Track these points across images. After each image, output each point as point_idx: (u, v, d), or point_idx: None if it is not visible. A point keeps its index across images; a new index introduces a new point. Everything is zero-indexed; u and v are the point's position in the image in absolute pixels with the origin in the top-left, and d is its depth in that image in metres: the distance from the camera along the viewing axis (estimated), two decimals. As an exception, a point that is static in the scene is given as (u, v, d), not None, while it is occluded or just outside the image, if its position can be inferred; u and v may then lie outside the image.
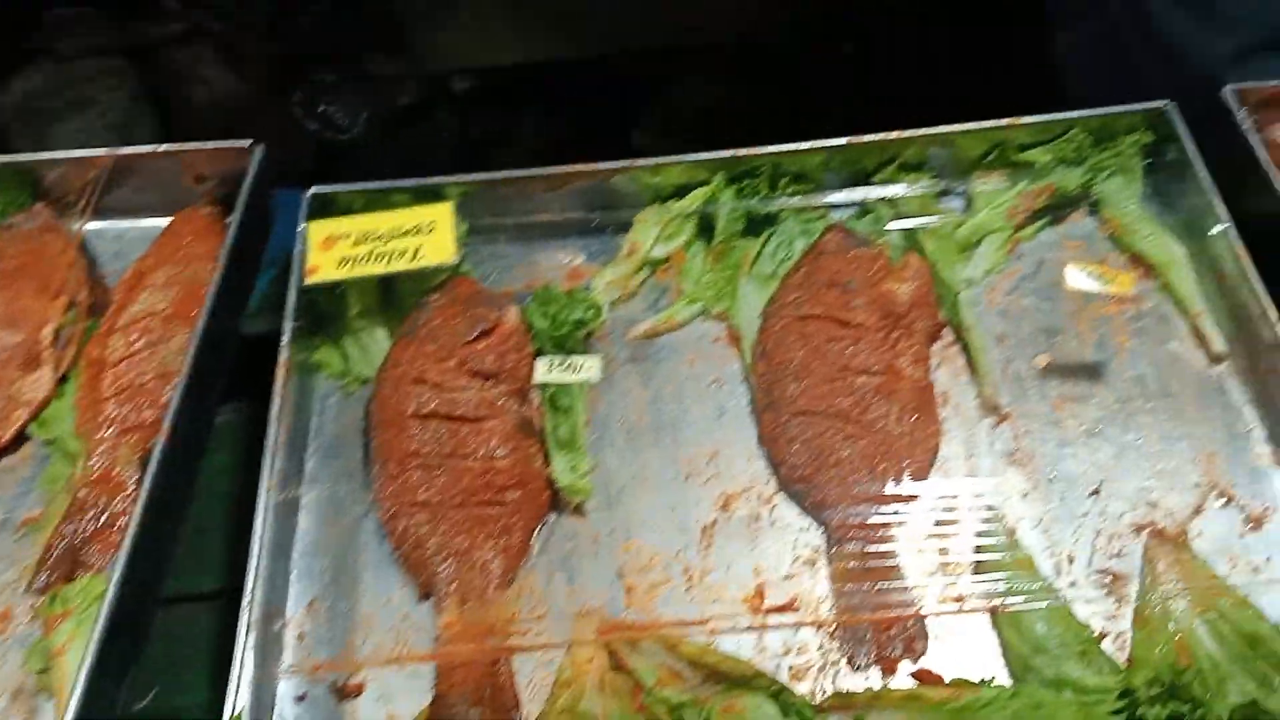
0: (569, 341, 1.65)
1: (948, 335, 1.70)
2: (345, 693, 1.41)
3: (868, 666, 1.38)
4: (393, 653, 1.44)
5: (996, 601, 1.39)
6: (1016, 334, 1.69)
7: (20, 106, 3.27)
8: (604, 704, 1.36)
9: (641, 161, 1.77)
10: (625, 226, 1.81)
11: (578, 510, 1.55)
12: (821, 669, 1.39)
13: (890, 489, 1.50)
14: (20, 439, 1.67)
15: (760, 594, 1.45)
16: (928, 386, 1.61)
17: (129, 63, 3.82)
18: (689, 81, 3.36)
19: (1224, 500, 1.51)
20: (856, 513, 1.47)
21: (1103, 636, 1.39)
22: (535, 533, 1.53)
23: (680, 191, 1.81)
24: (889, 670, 1.38)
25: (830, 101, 3.08)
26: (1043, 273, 1.76)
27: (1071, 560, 1.46)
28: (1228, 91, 1.75)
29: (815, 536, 1.50)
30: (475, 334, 1.62)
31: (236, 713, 1.31)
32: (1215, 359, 1.63)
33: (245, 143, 1.82)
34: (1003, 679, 1.36)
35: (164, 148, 1.84)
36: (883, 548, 1.45)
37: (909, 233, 1.77)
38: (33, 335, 1.70)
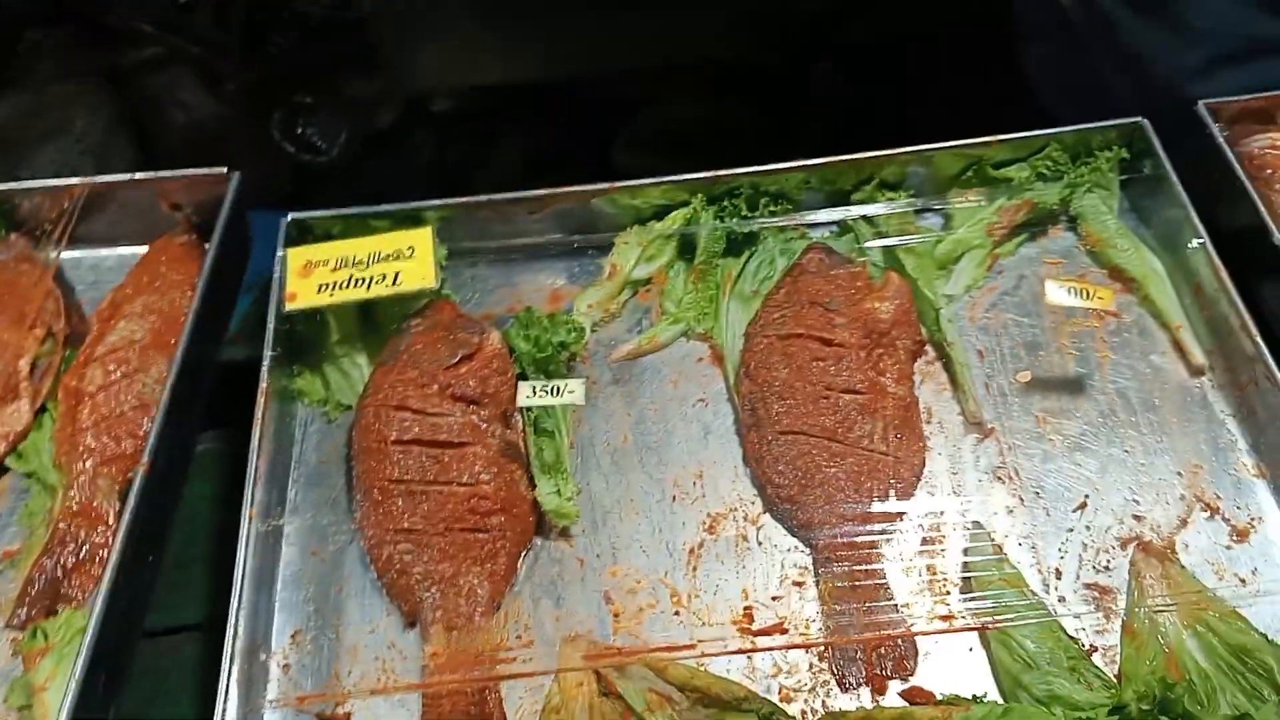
0: (551, 364, 1.64)
1: (930, 352, 1.70)
2: (331, 722, 1.40)
3: (858, 686, 1.38)
4: (379, 683, 1.42)
5: (985, 619, 1.38)
6: (998, 349, 1.70)
7: (-5, 132, 3.24)
8: (593, 730, 1.35)
9: (621, 184, 1.77)
10: (606, 248, 1.81)
11: (564, 534, 1.54)
12: (812, 689, 1.39)
13: (877, 507, 1.50)
14: (-3, 472, 1.65)
15: (749, 616, 1.44)
16: (912, 403, 1.61)
17: (105, 88, 3.80)
18: (668, 102, 3.37)
19: (1209, 512, 1.51)
20: (843, 532, 1.47)
21: (1092, 651, 1.39)
22: (521, 558, 1.52)
23: (660, 213, 1.81)
24: (879, 689, 1.37)
25: (808, 121, 3.09)
26: (1023, 288, 1.77)
27: (1059, 575, 1.47)
28: (1201, 106, 1.77)
29: (803, 557, 1.50)
30: (457, 358, 1.61)
31: (220, 747, 1.29)
32: (1196, 371, 1.64)
33: (221, 170, 1.80)
34: (993, 696, 1.36)
35: (139, 176, 1.83)
36: (870, 566, 1.44)
37: (889, 251, 1.78)
38: (9, 367, 1.68)
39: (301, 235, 1.75)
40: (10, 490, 1.65)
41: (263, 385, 1.58)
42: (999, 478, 1.56)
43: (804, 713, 1.36)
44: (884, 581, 1.44)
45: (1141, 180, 1.79)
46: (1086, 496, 1.54)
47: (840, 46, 3.19)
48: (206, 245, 1.76)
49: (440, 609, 1.44)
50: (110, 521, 1.54)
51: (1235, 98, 1.79)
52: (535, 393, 1.55)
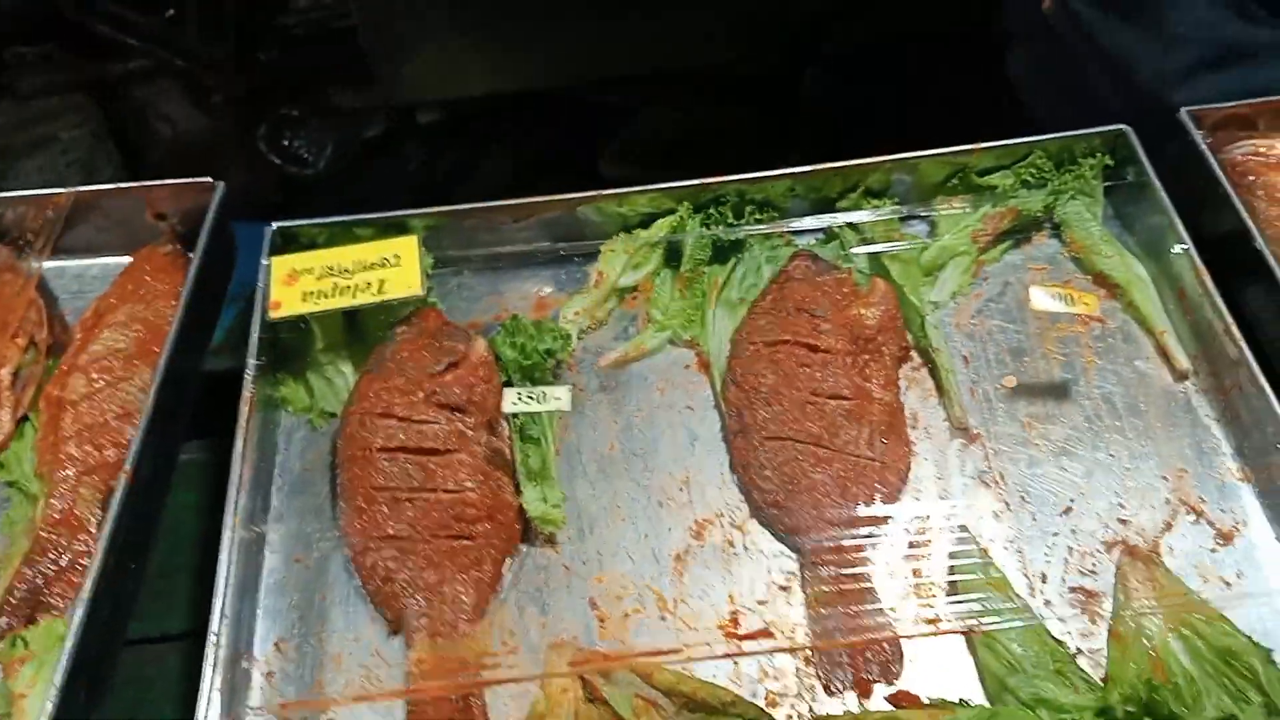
0: (538, 371, 1.64)
1: (915, 358, 1.70)
2: (314, 731, 1.39)
3: (844, 690, 1.37)
4: (363, 690, 1.41)
5: (971, 623, 1.38)
6: (984, 355, 1.70)
7: (-19, 145, 3.24)
8: (579, 737, 1.34)
9: (607, 192, 1.77)
10: (592, 256, 1.81)
11: (550, 541, 1.54)
12: (798, 694, 1.38)
13: (863, 512, 1.50)
14: (-21, 481, 1.64)
15: (735, 620, 1.44)
16: (898, 409, 1.61)
17: (91, 100, 3.80)
18: (655, 111, 3.38)
19: (1194, 516, 1.52)
20: (830, 537, 1.47)
21: (1078, 654, 1.39)
22: (507, 565, 1.52)
23: (646, 221, 1.81)
24: (865, 694, 1.37)
25: (795, 130, 3.10)
26: (1008, 294, 1.77)
27: (1045, 579, 1.46)
28: (1184, 113, 1.78)
29: (789, 562, 1.50)
30: (443, 366, 1.61)
31: (203, 755, 1.28)
32: (1181, 376, 1.65)
33: (206, 179, 1.80)
34: (979, 700, 1.35)
35: (124, 186, 1.83)
36: (856, 571, 1.44)
37: (874, 258, 1.78)
38: (-9, 376, 1.67)
39: (286, 244, 1.75)
40: (-9, 500, 1.64)
41: (246, 393, 1.57)
42: (985, 482, 1.56)
43: (790, 717, 1.36)
44: (870, 586, 1.43)
45: (1125, 187, 1.80)
46: (1072, 501, 1.54)
47: (825, 56, 3.20)
48: (191, 255, 1.75)
49: (425, 616, 1.44)
50: (92, 530, 1.52)
51: (1217, 105, 1.80)
52: (521, 399, 1.55)
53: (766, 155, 1.82)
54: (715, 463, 1.61)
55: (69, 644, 1.34)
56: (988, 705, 1.34)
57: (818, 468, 1.53)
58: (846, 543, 1.46)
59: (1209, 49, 1.91)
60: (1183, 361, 1.65)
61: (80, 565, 1.50)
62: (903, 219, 1.83)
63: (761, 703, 1.37)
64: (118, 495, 1.45)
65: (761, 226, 1.79)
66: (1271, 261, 1.59)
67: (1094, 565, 1.48)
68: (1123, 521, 1.52)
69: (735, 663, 1.41)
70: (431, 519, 1.50)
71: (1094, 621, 1.43)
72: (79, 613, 1.36)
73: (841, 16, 3.06)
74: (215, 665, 1.35)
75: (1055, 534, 1.51)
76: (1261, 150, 1.79)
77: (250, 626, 1.47)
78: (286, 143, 3.57)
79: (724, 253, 1.79)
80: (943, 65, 2.92)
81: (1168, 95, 1.82)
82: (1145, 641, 1.38)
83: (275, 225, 1.74)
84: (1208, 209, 1.71)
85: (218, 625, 1.37)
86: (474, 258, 1.83)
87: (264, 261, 1.68)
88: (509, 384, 1.63)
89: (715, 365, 1.70)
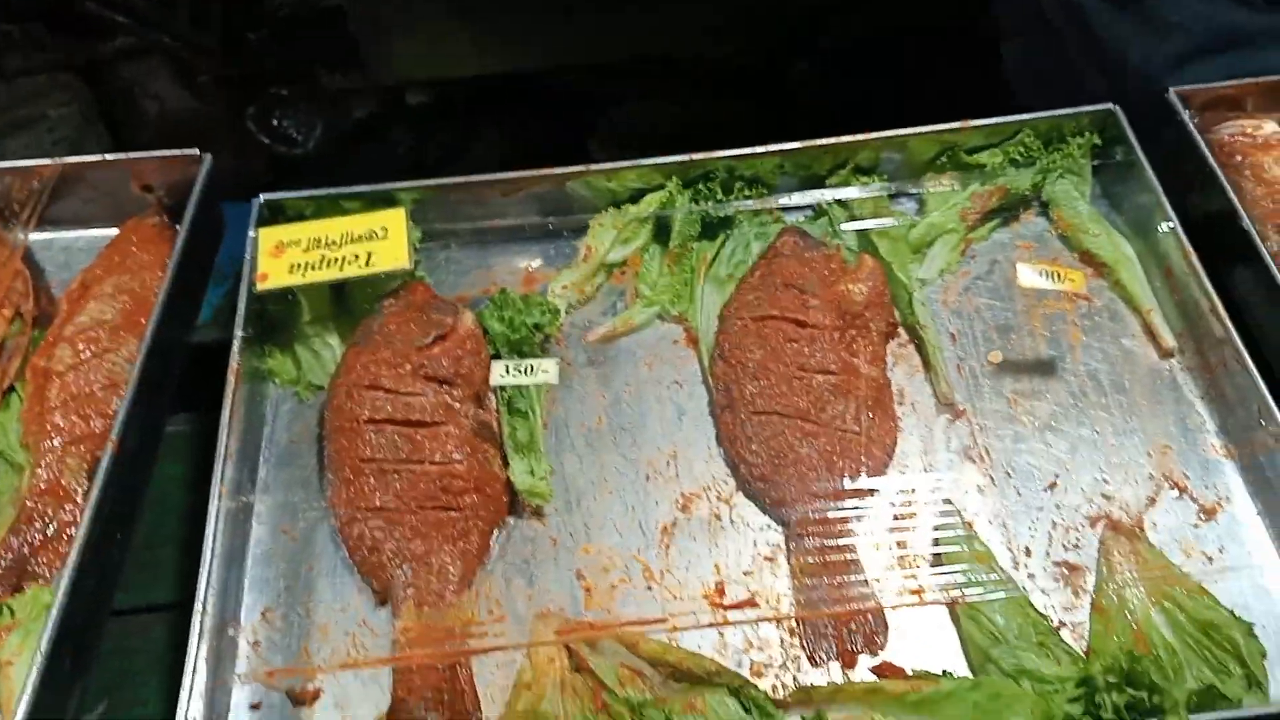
0: (526, 345, 1.64)
1: (903, 335, 1.71)
2: (301, 700, 1.39)
3: (829, 661, 1.38)
4: (349, 659, 1.41)
5: (955, 594, 1.39)
6: (970, 332, 1.71)
7: (-33, 123, 3.22)
8: (565, 705, 1.35)
9: (596, 166, 1.77)
10: (581, 231, 1.81)
11: (537, 513, 1.54)
12: (783, 665, 1.39)
13: (849, 485, 1.50)
14: (-36, 453, 1.63)
15: (720, 590, 1.45)
16: (885, 384, 1.62)
17: (79, 79, 3.78)
18: (645, 94, 3.38)
19: (1177, 492, 1.53)
20: (816, 509, 1.47)
21: (1061, 627, 1.40)
22: (494, 537, 1.52)
23: (635, 196, 1.81)
24: (850, 664, 1.38)
25: (784, 115, 3.10)
26: (996, 272, 1.78)
27: (1029, 553, 1.47)
28: (1172, 94, 1.78)
29: (775, 535, 1.50)
30: (430, 339, 1.61)
31: (188, 721, 1.28)
32: (1166, 354, 1.66)
33: (193, 151, 1.79)
34: (963, 671, 1.36)
35: (111, 157, 1.82)
36: (842, 542, 1.44)
37: (863, 234, 1.78)
38: (-25, 347, 1.67)
39: (274, 216, 1.74)
40: (-24, 471, 1.63)
41: (233, 364, 1.57)
42: (970, 458, 1.57)
43: (775, 687, 1.36)
44: (855, 557, 1.44)
45: (1113, 166, 1.81)
46: (1057, 476, 1.55)
47: (819, 44, 3.21)
48: (177, 228, 1.74)
49: (412, 586, 1.44)
50: (78, 500, 1.52)
51: (1205, 85, 1.81)
52: (509, 372, 1.55)
53: (757, 140, 1.81)
54: (703, 437, 1.62)
55: (55, 612, 1.33)
56: (971, 677, 1.35)
57: (804, 442, 1.53)
58: (832, 515, 1.47)
59: (1202, 35, 1.92)
60: (1168, 339, 1.66)
61: (67, 534, 1.50)
62: (891, 196, 1.84)
63: (747, 673, 1.37)
64: (104, 465, 1.45)
65: (750, 202, 1.79)
66: (1258, 241, 1.60)
67: (1078, 540, 1.49)
68: (1107, 497, 1.52)
69: (721, 634, 1.42)
70: (418, 490, 1.50)
71: (1077, 595, 1.44)
72: (65, 581, 1.35)
73: (836, 9, 3.06)
74: (202, 634, 1.35)
75: (1040, 509, 1.52)
76: (1249, 131, 1.81)
77: (237, 596, 1.47)
78: (276, 123, 3.57)
79: (713, 229, 1.79)
80: (936, 58, 2.93)
81: (1161, 82, 1.82)
82: (1127, 614, 1.39)
83: (263, 198, 1.73)
84: (1195, 189, 1.72)
85: (204, 594, 1.37)
86: (462, 232, 1.83)
87: (251, 233, 1.68)
88: (497, 357, 1.63)
89: (703, 341, 1.70)
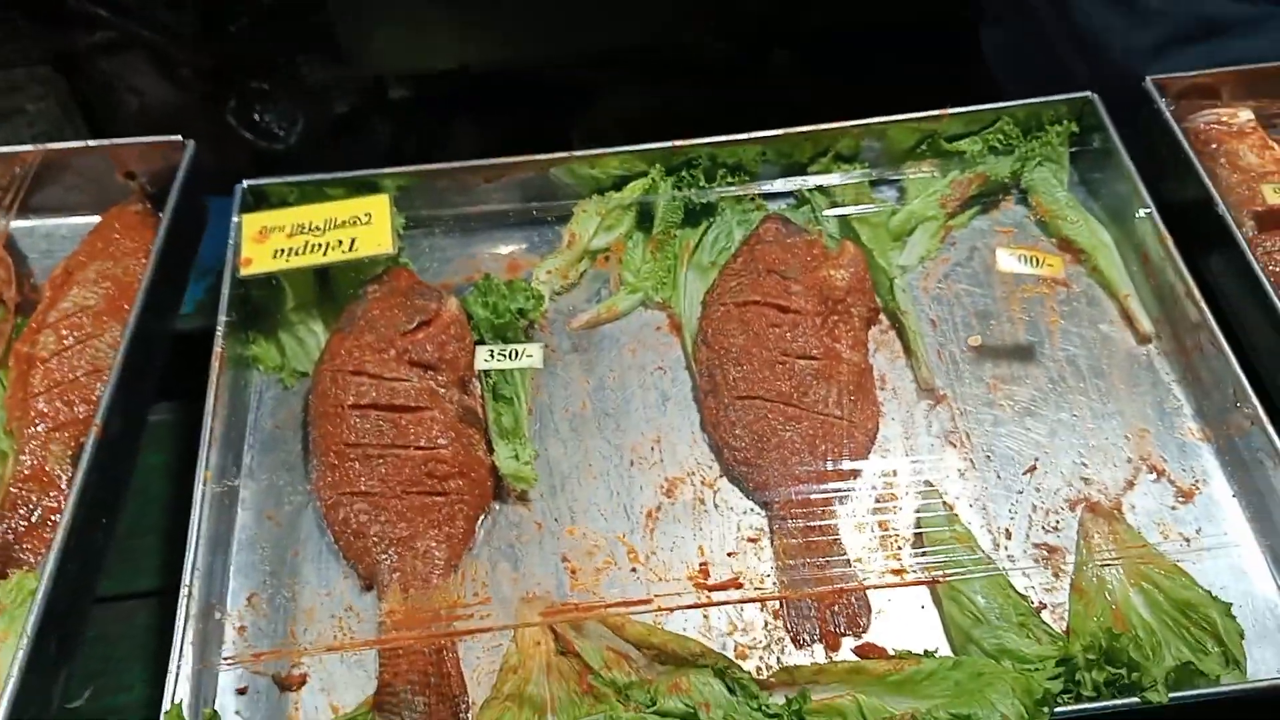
0: (510, 331, 1.64)
1: (884, 320, 1.72)
2: (287, 684, 1.39)
3: (812, 642, 1.39)
4: (335, 642, 1.42)
5: (936, 574, 1.40)
6: (951, 318, 1.72)
7: (-57, 116, 3.20)
8: (551, 688, 1.35)
9: (580, 153, 1.78)
10: (565, 218, 1.82)
11: (522, 498, 1.55)
12: (767, 647, 1.40)
13: (831, 468, 1.51)
14: (-54, 439, 1.63)
15: (705, 572, 1.46)
16: (866, 369, 1.63)
17: (57, 72, 3.75)
18: (627, 86, 3.38)
19: (1155, 474, 1.55)
20: (798, 491, 1.49)
21: (1041, 608, 1.42)
22: (479, 521, 1.52)
23: (619, 183, 1.82)
24: (833, 646, 1.39)
25: (766, 105, 3.11)
26: (975, 259, 1.80)
27: (1009, 535, 1.49)
28: (1149, 82, 1.80)
29: (759, 518, 1.52)
30: (414, 324, 1.61)
31: (175, 704, 1.28)
32: (1143, 339, 1.68)
33: (176, 137, 1.79)
34: (945, 652, 1.38)
35: (94, 143, 1.81)
36: (824, 523, 1.46)
37: (844, 221, 1.80)
38: (-44, 335, 1.66)
39: (257, 203, 1.74)
40: (-41, 458, 1.62)
41: (217, 349, 1.57)
42: (951, 442, 1.59)
43: (759, 669, 1.37)
44: (837, 538, 1.45)
45: (1091, 154, 1.83)
46: (1036, 460, 1.56)
47: (799, 32, 3.22)
48: (160, 215, 1.74)
49: (397, 570, 1.44)
50: (62, 486, 1.52)
51: (1181, 74, 1.83)
52: (493, 356, 1.56)
53: (738, 131, 1.82)
54: (686, 422, 1.63)
55: (40, 597, 1.33)
56: (952, 657, 1.36)
57: (787, 426, 1.54)
58: (815, 497, 1.48)
59: (1180, 23, 1.94)
60: (1145, 324, 1.68)
61: (51, 520, 1.50)
62: (872, 183, 1.85)
63: (731, 655, 1.38)
64: (88, 450, 1.45)
65: (733, 189, 1.80)
66: (1233, 227, 1.63)
67: (1057, 522, 1.50)
68: (1085, 480, 1.54)
69: (705, 616, 1.43)
70: (403, 475, 1.51)
71: (1057, 576, 1.45)
72: (49, 566, 1.35)
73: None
74: (187, 618, 1.35)
75: (1020, 492, 1.53)
76: (1225, 119, 1.83)
77: (222, 581, 1.47)
78: (257, 117, 3.55)
79: (696, 216, 1.80)
80: (916, 45, 2.94)
81: (1139, 70, 1.84)
82: (1106, 595, 1.40)
83: (246, 184, 1.73)
84: (1171, 176, 1.74)
85: (190, 577, 1.37)
86: (446, 219, 1.83)
87: (235, 219, 1.68)
88: (481, 343, 1.63)
89: (687, 327, 1.71)
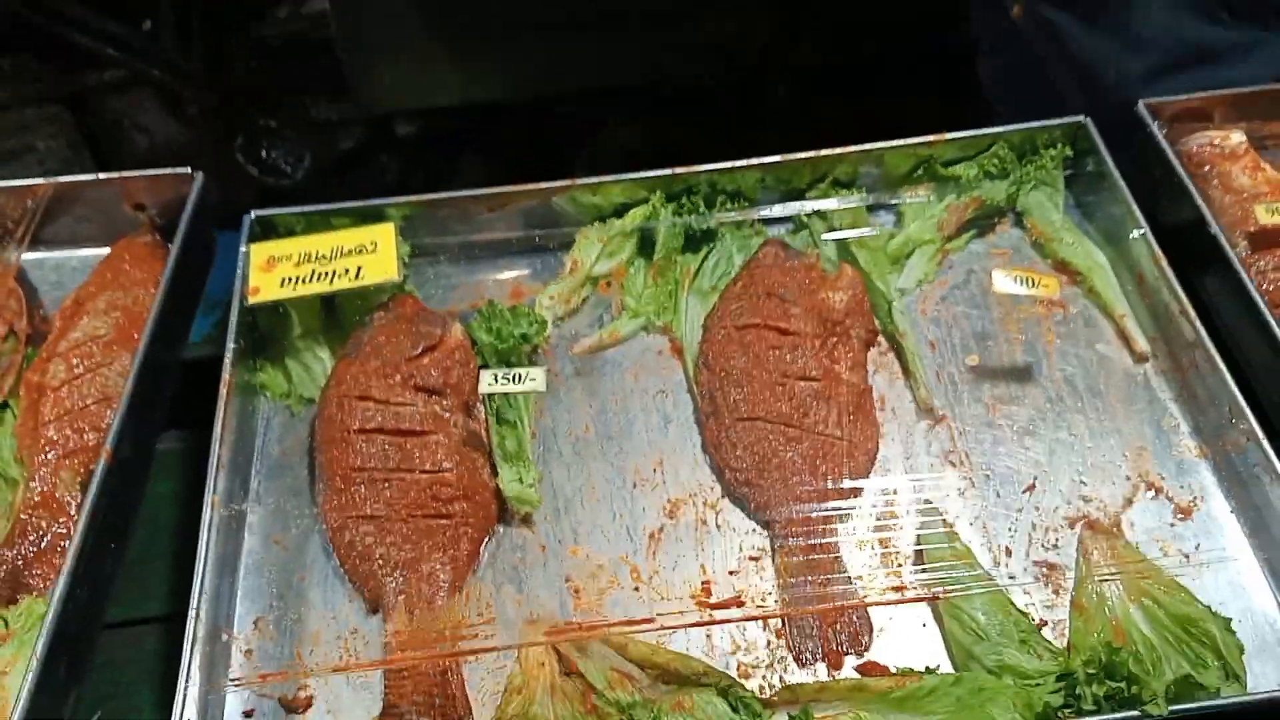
0: (513, 356, 1.66)
1: (884, 343, 1.74)
2: (293, 707, 1.40)
3: (814, 661, 1.40)
4: (340, 663, 1.43)
5: (937, 590, 1.41)
6: (949, 340, 1.74)
7: (-45, 155, 3.25)
8: (555, 709, 1.36)
9: (581, 181, 1.81)
10: (568, 245, 1.84)
11: (525, 521, 1.56)
12: (770, 665, 1.41)
13: (832, 488, 1.53)
14: (-42, 468, 1.65)
15: (707, 590, 1.47)
16: (866, 390, 1.65)
17: (67, 110, 3.81)
18: (627, 120, 3.43)
19: (1154, 492, 1.56)
20: (800, 510, 1.50)
21: (1042, 625, 1.42)
22: (483, 544, 1.54)
23: (620, 211, 1.84)
24: (836, 665, 1.40)
25: (763, 136, 3.15)
26: (972, 282, 1.82)
27: (1009, 553, 1.50)
28: (1142, 106, 1.83)
29: (761, 539, 1.53)
30: (419, 350, 1.64)
31: (182, 725, 1.29)
32: (1140, 358, 1.69)
33: (185, 169, 1.82)
34: (946, 670, 1.38)
35: (103, 176, 1.84)
36: (826, 541, 1.47)
37: (843, 246, 1.82)
38: (-32, 365, 1.69)
39: (265, 233, 1.77)
40: (-30, 487, 1.64)
41: (225, 375, 1.59)
42: (950, 462, 1.60)
43: (762, 687, 1.38)
44: (838, 556, 1.47)
45: (1085, 177, 1.85)
46: (1035, 479, 1.58)
47: (797, 66, 3.26)
48: (169, 245, 1.77)
49: (403, 592, 1.46)
50: (72, 513, 1.54)
51: (1174, 98, 1.85)
52: (497, 380, 1.58)
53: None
54: (688, 444, 1.64)
55: (49, 621, 1.34)
56: (954, 673, 1.37)
57: (788, 447, 1.56)
58: (815, 516, 1.49)
59: (1172, 50, 1.97)
60: (1141, 344, 1.69)
61: (60, 547, 1.51)
62: (870, 208, 1.87)
63: (734, 674, 1.39)
64: (97, 475, 1.47)
65: (733, 214, 1.83)
66: (1226, 247, 1.65)
67: (1057, 540, 1.51)
68: (1084, 498, 1.55)
69: (708, 636, 1.44)
70: (409, 499, 1.52)
71: (1057, 593, 1.46)
72: (59, 590, 1.36)
73: (813, 33, 3.12)
74: (195, 641, 1.36)
75: (1019, 510, 1.55)
76: (1216, 141, 1.85)
77: (230, 605, 1.48)
78: (264, 154, 3.60)
79: (696, 242, 1.83)
80: (913, 79, 2.99)
81: (1132, 97, 1.87)
82: (1107, 611, 1.41)
83: (254, 214, 1.76)
84: (1165, 198, 1.76)
85: (197, 601, 1.38)
86: (450, 247, 1.86)
87: (243, 248, 1.71)
88: (485, 368, 1.65)
89: (688, 351, 1.73)
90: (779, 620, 1.44)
